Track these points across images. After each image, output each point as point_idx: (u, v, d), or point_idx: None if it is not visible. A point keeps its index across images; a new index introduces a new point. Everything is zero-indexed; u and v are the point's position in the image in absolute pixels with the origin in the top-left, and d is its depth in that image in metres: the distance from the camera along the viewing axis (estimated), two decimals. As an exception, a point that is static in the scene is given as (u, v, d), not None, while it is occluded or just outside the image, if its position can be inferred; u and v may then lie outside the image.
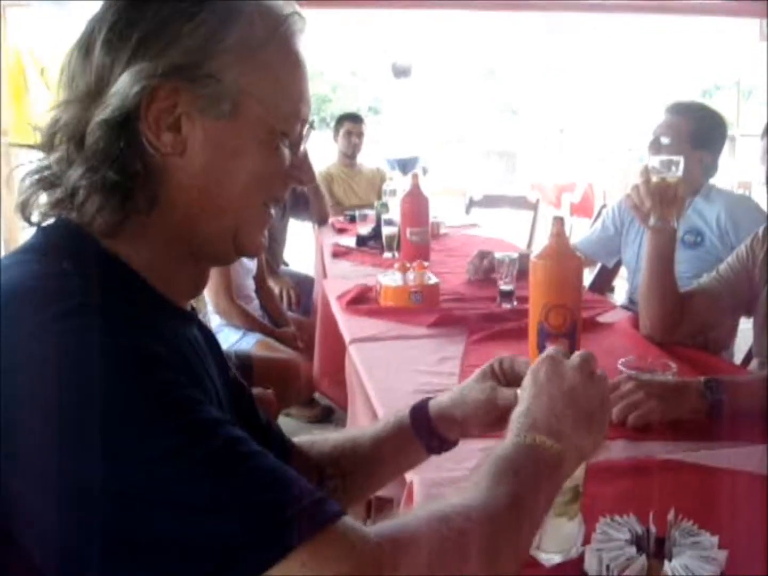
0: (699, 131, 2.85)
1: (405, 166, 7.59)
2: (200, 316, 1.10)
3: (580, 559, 1.17)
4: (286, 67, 0.95)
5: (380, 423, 1.29)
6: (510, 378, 1.24)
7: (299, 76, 0.97)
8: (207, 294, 3.44)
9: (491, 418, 1.21)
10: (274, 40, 0.93)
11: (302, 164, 1.01)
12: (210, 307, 3.45)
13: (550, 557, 1.19)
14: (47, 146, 0.91)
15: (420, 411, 1.25)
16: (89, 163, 0.87)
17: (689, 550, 1.11)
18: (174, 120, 0.88)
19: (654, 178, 2.04)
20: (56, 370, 0.73)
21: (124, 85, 0.85)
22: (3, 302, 0.80)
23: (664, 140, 2.82)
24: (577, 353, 1.07)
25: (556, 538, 1.19)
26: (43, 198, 0.91)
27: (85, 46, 0.89)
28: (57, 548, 0.73)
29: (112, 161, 0.87)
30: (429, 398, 1.27)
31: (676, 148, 2.74)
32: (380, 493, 2.23)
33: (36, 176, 0.91)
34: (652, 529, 1.15)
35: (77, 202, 0.88)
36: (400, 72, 8.09)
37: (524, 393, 1.03)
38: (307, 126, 0.99)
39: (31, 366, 0.74)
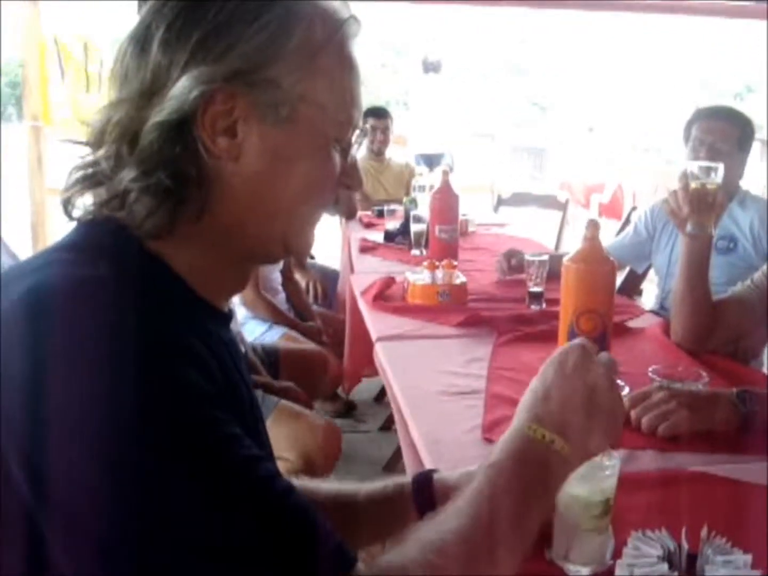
0: (743, 135, 2.83)
1: (431, 162, 7.56)
2: None
3: (610, 572, 1.15)
4: (342, 73, 0.93)
5: (379, 484, 1.25)
6: None
7: (353, 81, 0.95)
8: None
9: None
10: (331, 45, 0.91)
11: (351, 170, 0.99)
12: (236, 300, 3.45)
13: (578, 569, 1.18)
14: (96, 143, 0.89)
15: (423, 484, 1.22)
16: (143, 166, 0.85)
17: (722, 568, 1.09)
18: (230, 124, 0.87)
19: (693, 184, 2.01)
20: (91, 392, 0.72)
21: (182, 89, 0.83)
22: (34, 306, 0.78)
23: (720, 146, 2.78)
24: (604, 354, 1.04)
25: (584, 551, 1.17)
26: (89, 196, 0.89)
27: (141, 42, 0.87)
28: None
29: (166, 165, 0.85)
30: (432, 471, 1.25)
31: (728, 153, 2.72)
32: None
33: (82, 172, 0.90)
34: (684, 545, 1.13)
35: (127, 204, 0.86)
36: (430, 67, 8.05)
37: (546, 375, 1.00)
38: (357, 132, 0.98)
39: (65, 386, 0.72)
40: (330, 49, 0.91)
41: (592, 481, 1.15)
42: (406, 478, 1.24)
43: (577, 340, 1.04)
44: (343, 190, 0.99)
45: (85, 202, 0.90)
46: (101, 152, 0.88)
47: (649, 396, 1.67)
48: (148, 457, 0.71)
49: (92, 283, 0.80)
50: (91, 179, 0.89)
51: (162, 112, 0.84)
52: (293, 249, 0.98)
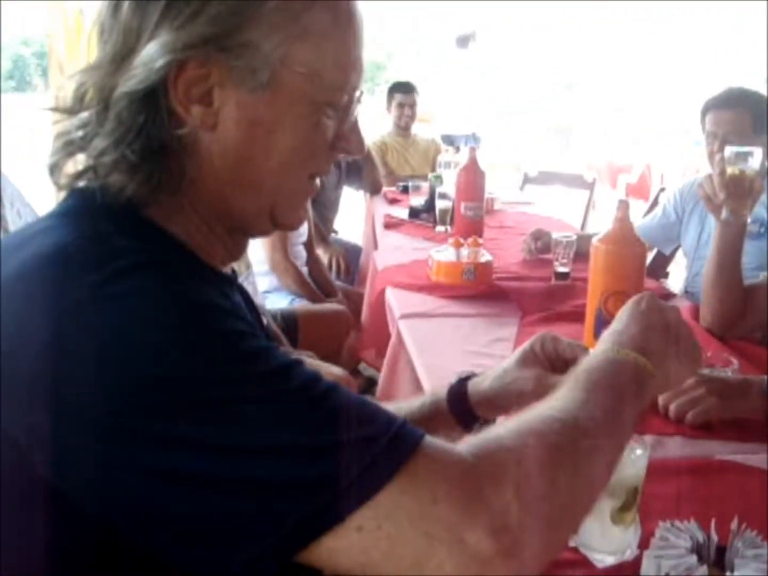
0: (758, 116, 2.71)
1: (456, 142, 7.47)
2: (241, 279, 1.07)
3: (636, 562, 1.13)
4: (334, 32, 0.86)
5: (415, 403, 1.24)
6: (554, 361, 1.19)
7: (349, 41, 0.88)
8: (263, 249, 3.43)
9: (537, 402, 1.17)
10: (320, 2, 0.84)
11: (350, 134, 0.93)
12: (261, 269, 3.43)
13: (603, 558, 1.15)
14: (75, 109, 0.86)
15: (458, 397, 1.20)
16: (111, 137, 0.82)
17: (752, 562, 1.06)
18: (205, 92, 0.82)
19: (729, 170, 1.96)
20: (121, 332, 0.70)
21: (149, 56, 0.79)
22: (42, 267, 0.75)
23: (732, 137, 2.68)
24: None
25: (610, 539, 1.15)
26: (70, 164, 0.87)
27: (114, 2, 0.83)
28: (125, 495, 0.70)
29: (134, 137, 0.81)
30: (465, 379, 1.22)
31: (744, 141, 2.63)
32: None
33: (65, 138, 0.86)
34: (714, 536, 1.10)
35: (100, 178, 0.83)
36: (463, 42, 7.92)
37: (621, 315, 1.02)
38: (356, 94, 0.92)
39: (91, 331, 0.70)
40: (319, 7, 0.84)
41: (618, 468, 1.13)
42: (441, 392, 1.22)
43: (646, 292, 1.07)
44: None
45: (77, 167, 0.87)
46: (79, 119, 0.85)
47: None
48: (196, 383, 0.70)
49: (95, 239, 0.78)
50: (72, 147, 0.86)
51: (129, 81, 0.80)
52: (281, 221, 0.93)
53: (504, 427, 0.80)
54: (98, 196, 0.83)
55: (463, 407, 1.19)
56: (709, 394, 1.60)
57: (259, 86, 0.83)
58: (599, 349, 0.96)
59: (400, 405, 1.25)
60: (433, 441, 0.75)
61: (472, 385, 1.20)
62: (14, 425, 0.71)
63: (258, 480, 0.69)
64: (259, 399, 0.71)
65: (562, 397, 0.85)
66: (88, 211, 0.83)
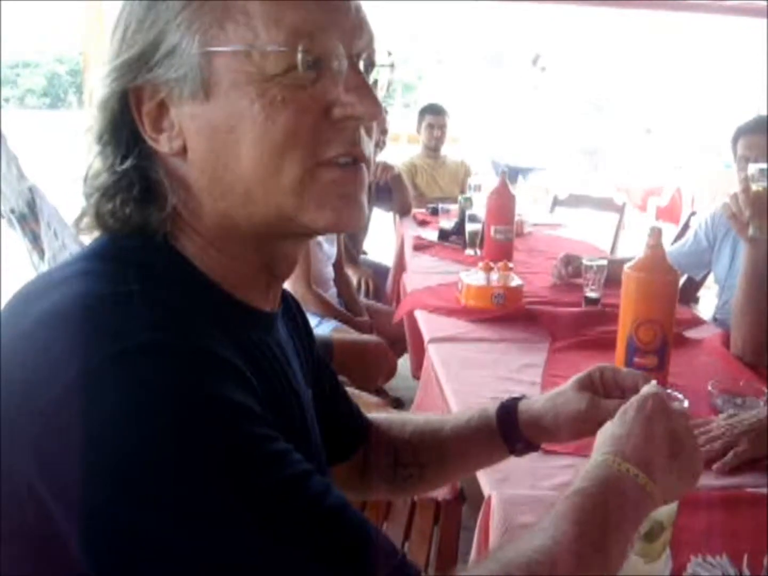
0: None
1: (516, 174, 7.43)
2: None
3: (667, 597, 1.12)
4: None
5: (463, 417, 1.21)
6: (610, 389, 1.14)
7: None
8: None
9: (586, 430, 1.11)
10: None
11: (347, 96, 0.80)
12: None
13: (633, 591, 1.14)
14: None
15: (508, 414, 1.17)
16: (113, 178, 0.83)
17: (785, 598, 1.05)
18: (163, 118, 0.81)
19: (754, 187, 1.96)
20: (117, 420, 0.65)
21: (101, 99, 0.82)
22: (62, 321, 0.72)
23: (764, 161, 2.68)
24: (677, 403, 1.01)
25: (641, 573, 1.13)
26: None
27: None
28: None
29: (132, 178, 0.82)
30: (517, 399, 1.19)
31: None
32: (448, 496, 2.21)
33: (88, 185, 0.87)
34: (746, 572, 1.09)
35: (123, 216, 0.83)
36: (536, 61, 7.85)
37: (625, 416, 0.94)
38: (337, 53, 0.79)
39: (91, 410, 0.65)
40: None
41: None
42: (492, 408, 1.19)
43: (653, 389, 0.99)
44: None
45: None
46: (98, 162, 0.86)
47: (709, 427, 1.62)
48: (186, 485, 0.65)
49: (116, 300, 0.73)
50: (97, 191, 0.86)
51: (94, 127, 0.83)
52: (306, 223, 0.82)
53: (484, 561, 0.77)
54: (124, 239, 0.83)
55: (511, 426, 1.17)
56: (740, 438, 1.57)
57: (198, 89, 0.78)
58: (598, 459, 0.90)
59: (448, 417, 1.25)
60: None
61: (524, 405, 1.17)
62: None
63: None
64: (253, 516, 0.66)
65: (549, 526, 0.81)
66: (115, 256, 0.81)
